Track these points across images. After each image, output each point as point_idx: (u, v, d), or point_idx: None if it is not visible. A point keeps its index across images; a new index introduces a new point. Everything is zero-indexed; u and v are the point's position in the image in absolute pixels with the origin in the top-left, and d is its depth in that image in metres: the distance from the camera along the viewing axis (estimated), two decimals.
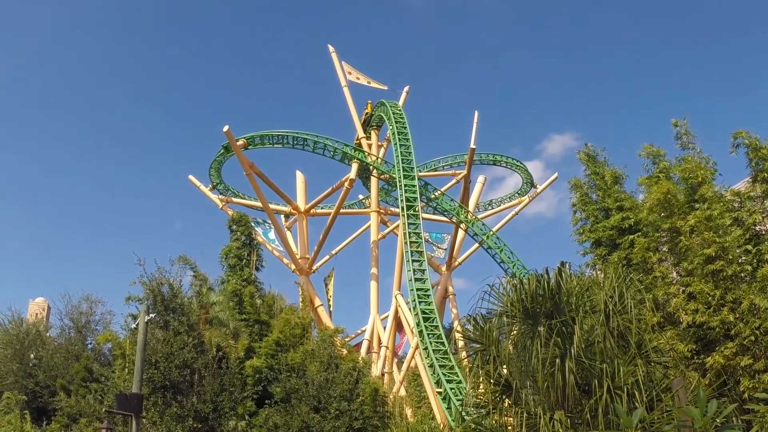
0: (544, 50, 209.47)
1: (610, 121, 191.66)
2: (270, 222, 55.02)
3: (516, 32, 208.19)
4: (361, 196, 63.77)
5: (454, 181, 59.82)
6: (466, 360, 15.50)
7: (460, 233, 55.12)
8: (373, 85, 61.64)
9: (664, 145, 26.19)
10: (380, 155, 56.80)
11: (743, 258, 22.11)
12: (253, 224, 45.01)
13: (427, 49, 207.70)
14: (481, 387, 13.22)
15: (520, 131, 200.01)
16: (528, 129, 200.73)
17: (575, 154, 30.19)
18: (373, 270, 54.13)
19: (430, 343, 38.48)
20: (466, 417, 13.94)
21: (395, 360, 54.32)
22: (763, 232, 22.69)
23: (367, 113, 59.23)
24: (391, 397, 35.61)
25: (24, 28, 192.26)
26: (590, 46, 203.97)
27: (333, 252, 60.97)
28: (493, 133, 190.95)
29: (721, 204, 22.67)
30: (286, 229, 59.48)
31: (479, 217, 55.71)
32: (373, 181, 56.28)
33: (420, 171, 53.37)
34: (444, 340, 38.97)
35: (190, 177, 58.66)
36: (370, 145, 57.76)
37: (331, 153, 52.38)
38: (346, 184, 52.14)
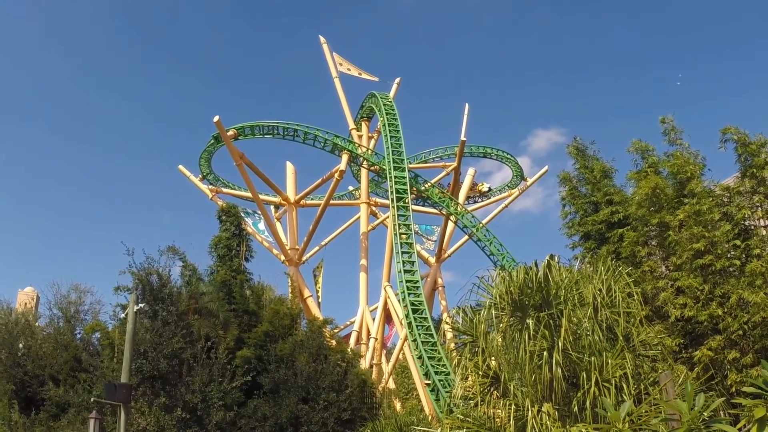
0: (529, 46, 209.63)
1: (596, 117, 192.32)
2: (260, 212, 54.85)
3: (502, 29, 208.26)
4: (351, 188, 63.71)
5: (444, 173, 59.79)
6: (454, 352, 15.49)
7: (450, 225, 55.14)
8: (364, 76, 61.44)
9: (652, 140, 26.22)
10: (371, 147, 56.72)
11: (732, 253, 22.23)
12: (242, 215, 44.82)
13: (417, 45, 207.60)
14: (469, 379, 13.24)
15: (505, 127, 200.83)
16: (513, 125, 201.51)
17: (561, 149, 30.48)
18: (363, 261, 54.12)
19: (419, 334, 38.53)
20: (454, 409, 13.95)
21: (384, 351, 54.38)
22: (752, 227, 22.82)
23: None
24: (379, 388, 35.62)
25: (7, 27, 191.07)
26: (577, 41, 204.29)
27: (322, 243, 60.91)
28: (479, 129, 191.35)
29: (710, 199, 22.76)
30: (275, 220, 59.35)
31: (468, 209, 55.75)
32: (363, 172, 56.21)
33: (410, 163, 53.33)
34: (433, 331, 39.01)
35: (180, 167, 58.42)
36: (360, 137, 57.70)
37: (322, 144, 52.19)
38: (336, 175, 52.04)
